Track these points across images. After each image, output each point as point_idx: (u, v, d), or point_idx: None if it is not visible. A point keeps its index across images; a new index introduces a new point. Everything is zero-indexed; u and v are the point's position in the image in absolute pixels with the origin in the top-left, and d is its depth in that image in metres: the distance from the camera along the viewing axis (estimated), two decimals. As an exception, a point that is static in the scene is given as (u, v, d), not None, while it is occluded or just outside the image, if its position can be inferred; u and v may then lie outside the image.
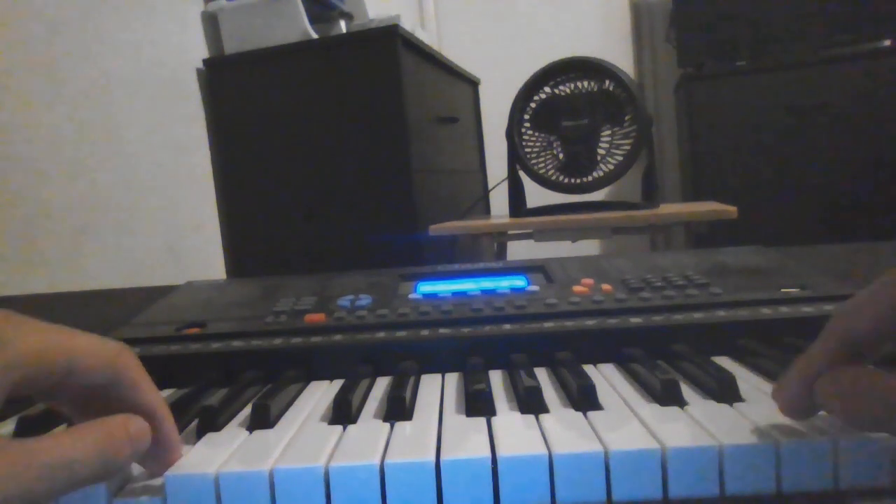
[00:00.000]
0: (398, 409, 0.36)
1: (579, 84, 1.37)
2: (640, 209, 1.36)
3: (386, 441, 0.32)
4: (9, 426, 0.38)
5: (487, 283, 0.57)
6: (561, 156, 1.39)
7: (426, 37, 1.74)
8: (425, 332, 0.47)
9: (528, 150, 1.41)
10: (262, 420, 0.36)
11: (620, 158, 1.35)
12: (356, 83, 1.43)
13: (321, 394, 0.42)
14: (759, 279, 0.53)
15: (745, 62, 2.15)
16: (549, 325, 0.47)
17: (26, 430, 0.36)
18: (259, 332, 0.49)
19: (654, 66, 2.72)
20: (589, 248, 2.59)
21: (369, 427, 0.35)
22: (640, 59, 2.73)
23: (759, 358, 0.42)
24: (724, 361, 0.43)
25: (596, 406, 0.35)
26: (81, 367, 0.28)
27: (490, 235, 1.45)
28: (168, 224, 1.37)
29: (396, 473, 0.29)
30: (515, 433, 0.32)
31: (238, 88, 1.52)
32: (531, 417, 0.34)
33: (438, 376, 0.44)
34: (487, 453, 0.30)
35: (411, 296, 0.55)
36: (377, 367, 0.46)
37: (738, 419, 0.32)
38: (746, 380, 0.39)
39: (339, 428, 0.35)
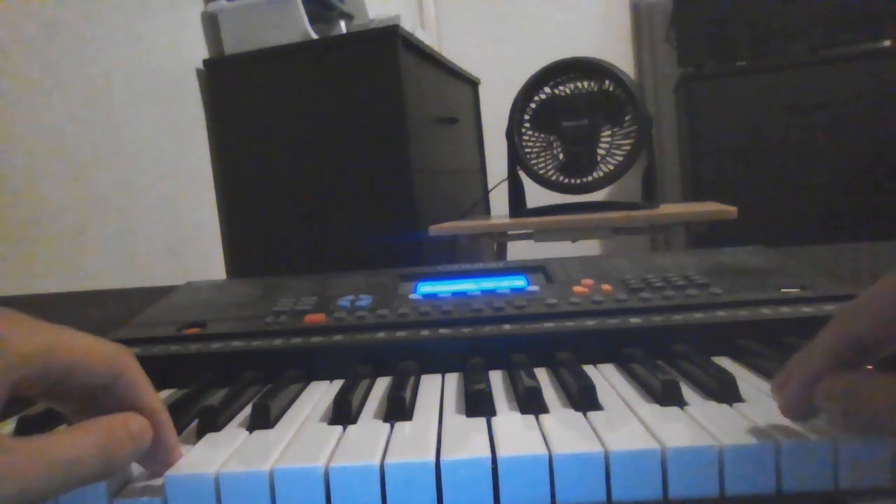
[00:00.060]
0: (398, 410, 0.36)
1: (579, 84, 1.37)
2: (640, 209, 1.36)
3: (386, 441, 0.32)
4: (9, 426, 0.38)
5: (487, 284, 0.57)
6: (561, 156, 1.39)
7: (426, 37, 1.74)
8: (425, 333, 0.47)
9: (528, 150, 1.41)
10: (262, 420, 0.36)
11: (620, 159, 1.35)
12: (356, 83, 1.43)
13: (321, 394, 0.42)
14: (759, 279, 0.53)
15: (745, 62, 2.15)
16: (549, 325, 0.47)
17: (26, 429, 0.36)
18: (259, 332, 0.49)
19: (654, 66, 2.72)
20: (589, 248, 2.59)
21: (369, 427, 0.35)
22: (640, 59, 2.74)
23: (759, 358, 0.42)
24: (724, 362, 0.43)
25: (596, 406, 0.35)
26: (81, 367, 0.28)
27: (490, 235, 1.45)
28: (168, 224, 1.37)
29: (396, 474, 0.29)
30: (515, 433, 0.32)
31: (238, 88, 1.52)
32: (531, 418, 0.34)
33: (438, 376, 0.44)
34: (487, 453, 0.30)
35: (411, 296, 0.55)
36: (377, 367, 0.45)
37: (738, 419, 0.32)
38: (746, 380, 0.39)
39: (339, 428, 0.35)
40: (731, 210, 1.26)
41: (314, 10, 1.56)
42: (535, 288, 0.54)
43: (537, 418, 0.34)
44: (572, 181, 1.39)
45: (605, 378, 0.41)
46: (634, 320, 0.46)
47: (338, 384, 0.44)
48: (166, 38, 1.42)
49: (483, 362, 0.44)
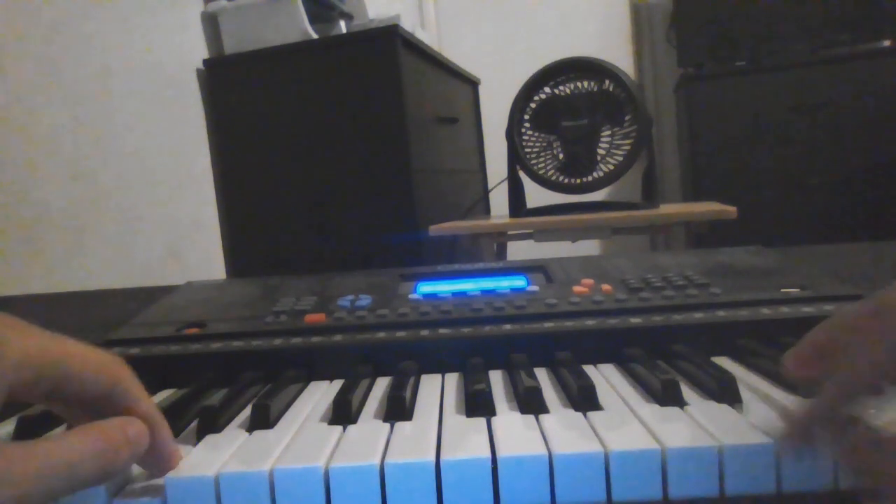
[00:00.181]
0: (398, 410, 0.36)
1: (579, 84, 1.37)
2: (640, 209, 1.36)
3: (386, 441, 0.32)
4: (9, 426, 0.38)
5: (487, 284, 0.57)
6: (561, 156, 1.39)
7: (426, 37, 1.74)
8: (425, 333, 0.47)
9: (528, 150, 1.41)
10: (262, 420, 0.36)
11: (620, 158, 1.35)
12: (356, 83, 1.43)
13: (321, 394, 0.42)
14: (759, 279, 0.53)
15: (745, 62, 2.15)
16: (549, 325, 0.47)
17: (26, 430, 0.36)
18: (259, 332, 0.49)
19: (654, 67, 2.72)
20: (589, 248, 2.59)
21: (369, 427, 0.35)
22: (640, 60, 2.73)
23: (759, 358, 0.42)
24: (724, 362, 0.43)
25: (596, 406, 0.35)
26: (76, 375, 0.28)
27: (490, 235, 1.45)
28: (168, 224, 1.37)
29: (396, 474, 0.29)
30: (515, 433, 0.32)
31: (238, 89, 1.52)
32: (531, 418, 0.34)
33: (438, 376, 0.44)
34: (487, 453, 0.30)
35: (411, 296, 0.55)
36: (377, 367, 0.46)
37: (738, 419, 0.32)
38: (746, 380, 0.39)
39: (339, 428, 0.35)
40: (731, 210, 1.26)
41: (314, 10, 1.56)
42: (535, 288, 0.54)
43: (537, 418, 0.34)
44: (572, 181, 1.39)
45: (605, 378, 0.41)
46: (634, 320, 0.46)
47: (338, 384, 0.44)
48: (166, 38, 1.42)
49: (483, 362, 0.44)
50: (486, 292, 0.54)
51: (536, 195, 1.47)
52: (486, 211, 2.10)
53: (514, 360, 0.43)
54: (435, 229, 1.39)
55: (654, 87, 2.72)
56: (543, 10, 2.77)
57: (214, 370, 0.46)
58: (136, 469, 0.32)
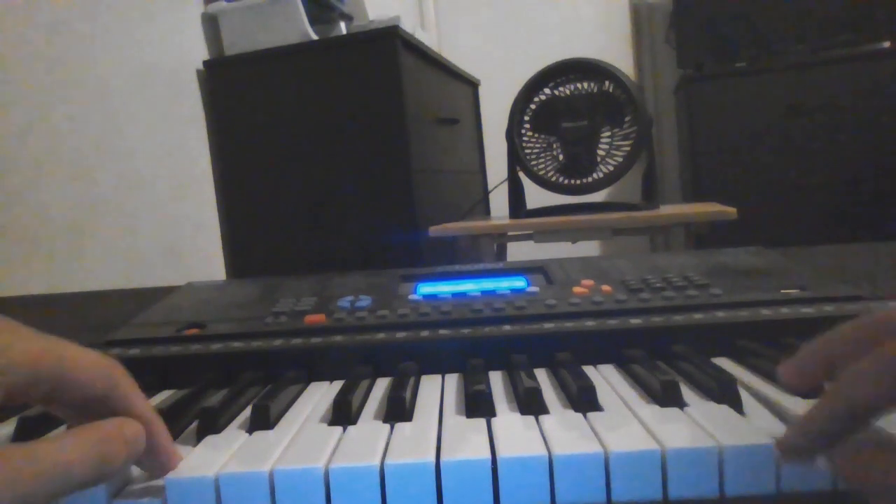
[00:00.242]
0: (398, 410, 0.36)
1: (579, 85, 1.37)
2: (640, 210, 1.36)
3: (386, 442, 0.32)
4: (9, 427, 0.38)
5: (487, 284, 0.57)
6: (561, 157, 1.39)
7: (426, 38, 1.74)
8: (425, 333, 0.47)
9: (527, 151, 1.41)
10: (262, 421, 0.36)
11: (620, 159, 1.35)
12: (356, 84, 1.43)
13: (321, 395, 0.42)
14: (759, 280, 0.53)
15: (744, 63, 2.15)
16: (548, 326, 0.47)
17: (26, 430, 0.37)
18: (259, 332, 0.49)
19: (653, 67, 2.72)
20: (589, 249, 2.59)
21: (369, 428, 0.35)
22: (640, 60, 2.74)
23: (759, 359, 0.42)
24: (724, 362, 0.43)
25: (596, 407, 0.35)
26: (72, 377, 0.28)
27: (490, 236, 1.45)
28: (168, 224, 1.37)
29: (396, 474, 0.29)
30: (515, 434, 0.32)
31: (238, 89, 1.52)
32: (531, 418, 0.34)
33: (438, 377, 0.44)
34: (487, 454, 0.30)
35: (411, 297, 0.55)
36: (377, 367, 0.46)
37: (738, 420, 0.32)
38: (746, 381, 0.39)
39: (338, 429, 0.35)
40: (730, 210, 1.26)
41: (314, 11, 1.56)
42: (534, 289, 0.54)
43: (537, 419, 0.34)
44: (572, 182, 1.39)
45: (605, 379, 0.41)
46: (634, 321, 0.46)
47: (338, 385, 0.44)
48: (166, 39, 1.42)
49: (483, 363, 0.43)
50: (485, 293, 0.54)
51: (536, 196, 1.47)
52: (486, 212, 2.10)
53: (514, 361, 0.43)
54: (435, 230, 1.39)
55: (654, 88, 2.72)
56: (543, 11, 2.77)
57: (214, 371, 0.46)
58: (136, 470, 0.32)
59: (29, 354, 0.26)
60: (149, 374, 0.46)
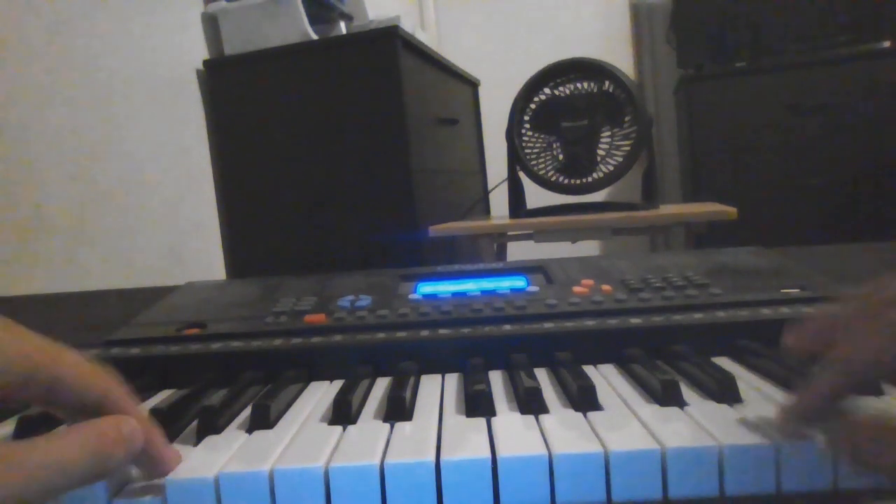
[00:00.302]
0: (398, 410, 0.36)
1: (579, 85, 1.37)
2: (640, 210, 1.36)
3: (386, 441, 0.32)
4: (9, 426, 0.38)
5: (487, 284, 0.57)
6: (561, 157, 1.39)
7: (426, 38, 1.74)
8: (425, 333, 0.47)
9: (527, 150, 1.41)
10: (262, 420, 0.36)
11: (620, 159, 1.35)
12: (356, 84, 1.43)
13: (321, 394, 0.42)
14: (759, 280, 0.53)
15: (744, 63, 2.15)
16: (548, 325, 0.47)
17: (26, 430, 0.37)
18: (259, 332, 0.49)
19: (653, 67, 2.72)
20: (589, 248, 2.59)
21: (369, 427, 0.35)
22: (640, 60, 2.74)
23: (758, 358, 0.42)
24: (724, 362, 0.43)
25: (596, 406, 0.35)
26: (67, 379, 0.28)
27: (490, 236, 1.45)
28: (168, 224, 1.37)
29: (396, 474, 0.29)
30: (515, 433, 0.32)
31: (238, 89, 1.52)
32: (531, 418, 0.34)
33: (438, 377, 0.44)
34: (487, 454, 0.30)
35: (411, 296, 0.55)
36: (377, 367, 0.45)
37: (738, 419, 0.32)
38: (746, 380, 0.39)
39: (338, 428, 0.35)
40: (730, 210, 1.26)
41: (314, 11, 1.56)
42: (534, 288, 0.54)
43: (537, 418, 0.34)
44: (572, 182, 1.39)
45: (605, 378, 0.41)
46: (634, 321, 0.46)
47: (338, 384, 0.44)
48: (166, 39, 1.42)
49: (483, 362, 0.44)
50: (485, 293, 0.54)
51: (536, 196, 1.47)
52: (486, 211, 2.10)
53: (514, 361, 0.43)
54: (435, 230, 1.39)
55: (653, 88, 2.72)
56: (543, 11, 2.77)
57: (214, 370, 0.46)
58: (136, 470, 0.32)
59: (24, 354, 0.26)
60: (149, 374, 0.46)
